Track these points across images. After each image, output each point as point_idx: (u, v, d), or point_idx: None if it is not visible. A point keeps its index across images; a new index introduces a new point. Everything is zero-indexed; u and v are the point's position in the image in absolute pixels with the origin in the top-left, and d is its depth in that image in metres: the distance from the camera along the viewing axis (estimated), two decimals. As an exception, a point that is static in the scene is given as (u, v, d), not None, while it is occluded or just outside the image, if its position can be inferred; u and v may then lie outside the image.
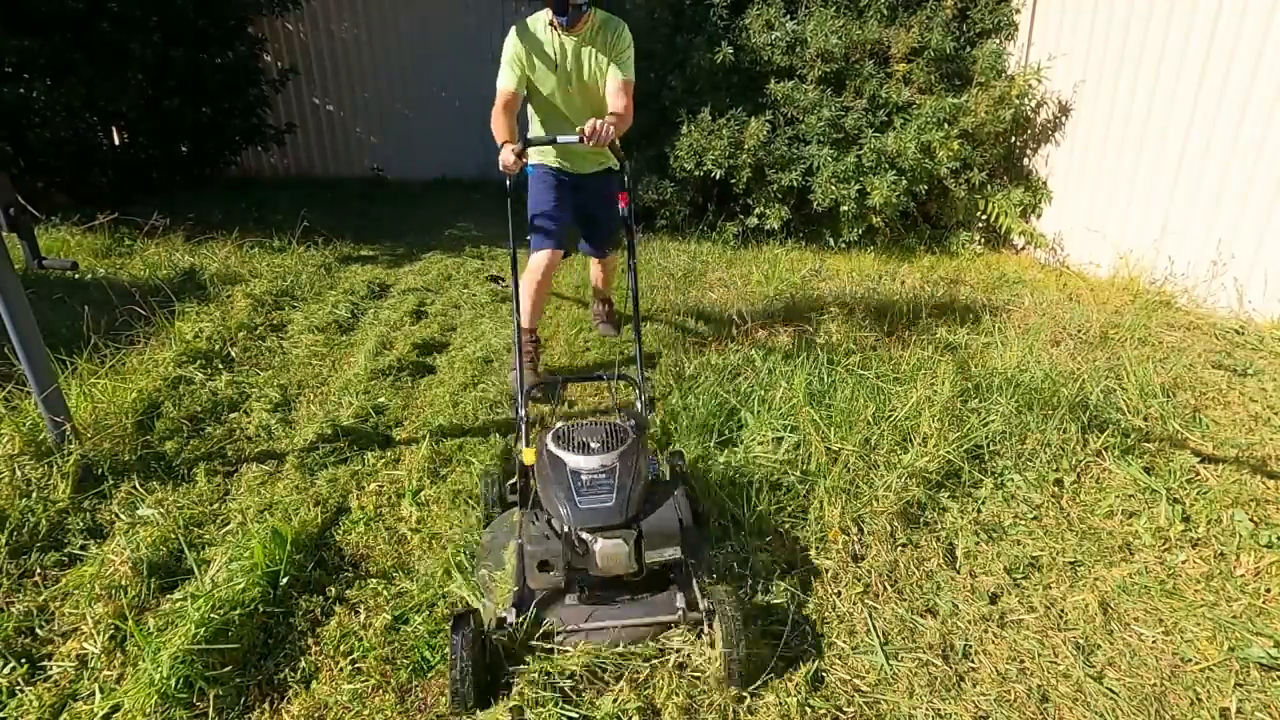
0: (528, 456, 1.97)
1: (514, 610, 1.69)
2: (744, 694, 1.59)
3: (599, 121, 2.37)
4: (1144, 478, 2.41)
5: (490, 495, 2.23)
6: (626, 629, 1.71)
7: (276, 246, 5.15)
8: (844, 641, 1.82)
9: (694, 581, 1.78)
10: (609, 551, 1.65)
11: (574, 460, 1.80)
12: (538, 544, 1.66)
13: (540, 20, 2.82)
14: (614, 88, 2.81)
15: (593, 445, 1.83)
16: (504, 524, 2.09)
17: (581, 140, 2.38)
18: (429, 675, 1.66)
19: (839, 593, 1.99)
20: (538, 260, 3.01)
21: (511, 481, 2.20)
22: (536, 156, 3.10)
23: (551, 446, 1.86)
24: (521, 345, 2.57)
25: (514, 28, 2.80)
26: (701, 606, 1.70)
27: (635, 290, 2.60)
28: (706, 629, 1.70)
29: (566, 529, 1.69)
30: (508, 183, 2.58)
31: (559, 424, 1.97)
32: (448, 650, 1.57)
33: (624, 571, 1.69)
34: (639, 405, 2.28)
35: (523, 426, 2.20)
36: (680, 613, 1.72)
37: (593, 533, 1.67)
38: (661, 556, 1.69)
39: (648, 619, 1.73)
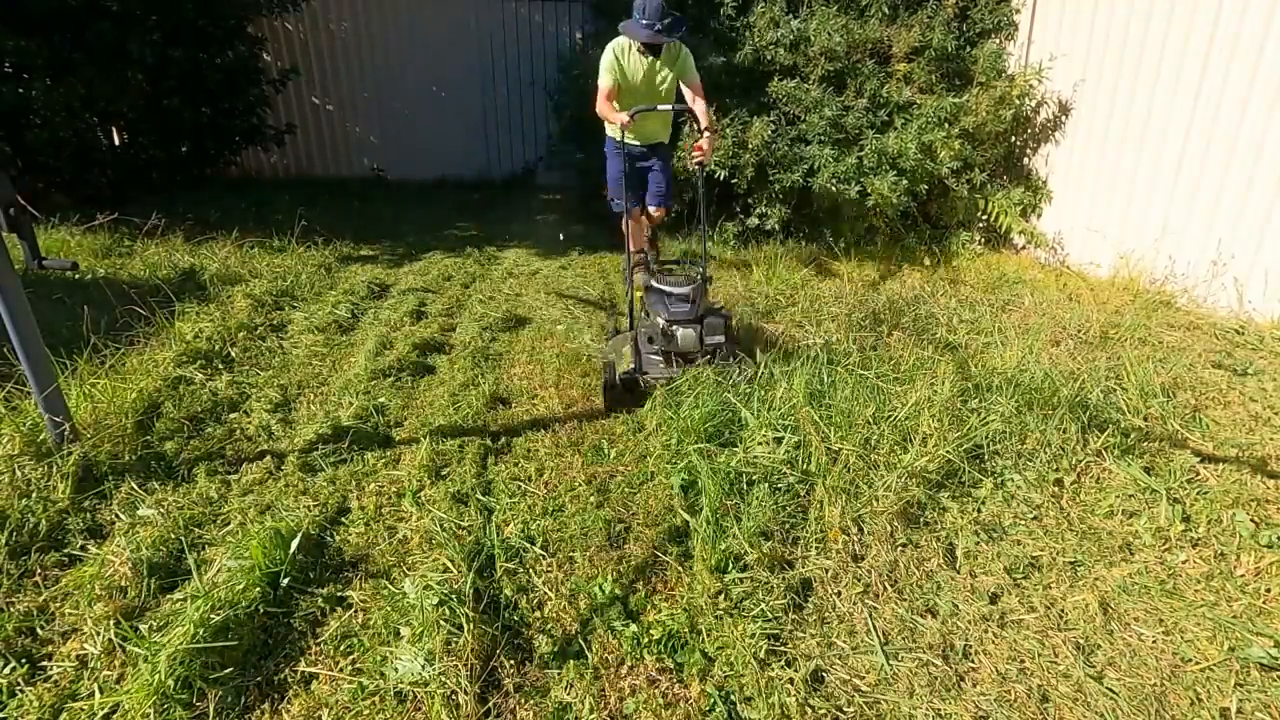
0: (638, 286, 3.39)
1: (633, 366, 3.02)
2: None
3: (706, 141, 3.59)
4: (1144, 478, 2.41)
5: (609, 327, 3.88)
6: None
7: (276, 246, 5.15)
8: (844, 641, 1.82)
9: (731, 354, 3.05)
10: (686, 335, 2.97)
11: (668, 288, 3.10)
12: (649, 329, 3.08)
13: (632, 46, 3.80)
14: (693, 89, 3.89)
15: (678, 283, 3.13)
16: (615, 339, 3.48)
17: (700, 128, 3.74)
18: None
19: (839, 593, 1.99)
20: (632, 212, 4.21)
21: (619, 316, 3.95)
22: (615, 135, 4.08)
23: (654, 283, 3.17)
24: (633, 257, 3.81)
25: (610, 48, 3.78)
26: (736, 368, 2.96)
27: (706, 194, 3.76)
28: (739, 380, 2.92)
29: (663, 322, 3.00)
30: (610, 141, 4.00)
31: (658, 273, 3.32)
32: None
33: (692, 349, 2.98)
34: (701, 273, 3.34)
35: (631, 292, 3.60)
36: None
37: (677, 325, 2.98)
38: (713, 340, 3.00)
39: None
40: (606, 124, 4.04)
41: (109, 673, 1.64)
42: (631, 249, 4.03)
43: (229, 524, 2.19)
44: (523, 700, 1.63)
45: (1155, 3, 4.42)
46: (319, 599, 1.89)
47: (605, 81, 3.80)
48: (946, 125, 5.15)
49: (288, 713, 1.59)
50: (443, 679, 1.62)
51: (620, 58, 3.81)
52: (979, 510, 2.34)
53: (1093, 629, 1.87)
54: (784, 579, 2.00)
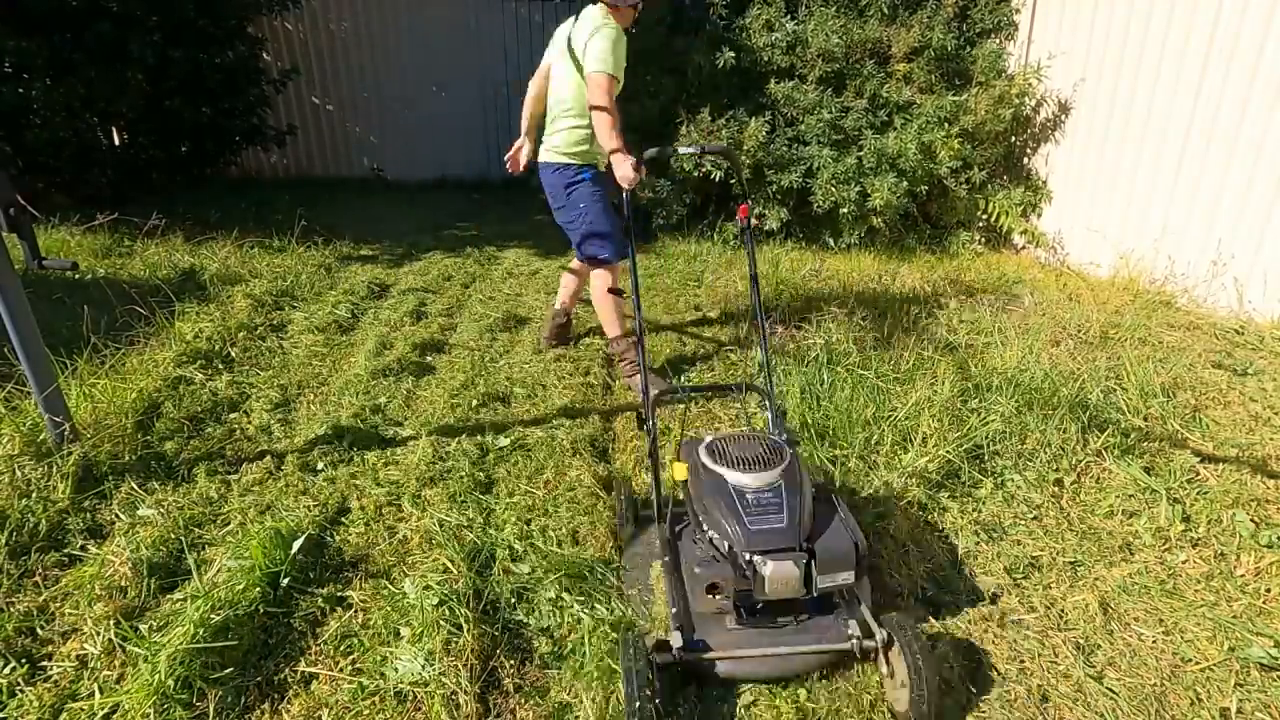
0: (678, 472, 1.88)
1: (678, 634, 1.62)
2: None
3: None
4: (1144, 478, 2.41)
5: (625, 513, 2.13)
6: (794, 657, 1.64)
7: (276, 246, 5.15)
8: (844, 641, 1.82)
9: (863, 606, 1.69)
10: (780, 575, 1.57)
11: (737, 478, 1.72)
12: (706, 566, 1.65)
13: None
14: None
15: (754, 461, 1.75)
16: (645, 543, 2.03)
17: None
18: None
19: (839, 593, 1.98)
20: (624, 267, 2.99)
21: (646, 497, 2.12)
22: (586, 158, 3.09)
23: (708, 462, 1.78)
24: (642, 351, 2.35)
25: (616, 22, 2.84)
26: (877, 635, 1.60)
27: (758, 295, 2.42)
28: (883, 659, 1.60)
29: (734, 550, 1.63)
30: (624, 196, 2.61)
31: (708, 438, 1.87)
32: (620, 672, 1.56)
33: (792, 596, 1.61)
34: (770, 419, 2.15)
35: (653, 439, 2.10)
36: (854, 641, 1.61)
37: (763, 555, 1.59)
38: (834, 582, 1.62)
39: (817, 647, 1.64)
40: (582, 145, 2.98)
41: (109, 673, 1.64)
42: (620, 334, 3.00)
43: (229, 524, 2.19)
44: (523, 700, 1.63)
45: (1155, 2, 4.42)
46: (319, 599, 1.89)
47: (616, 68, 2.76)
48: (946, 125, 5.15)
49: (288, 713, 1.59)
50: (443, 679, 1.62)
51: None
52: (979, 510, 2.34)
53: (1093, 629, 1.87)
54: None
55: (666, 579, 1.79)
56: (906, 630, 1.54)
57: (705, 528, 1.74)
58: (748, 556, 1.60)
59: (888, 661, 1.60)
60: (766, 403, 2.17)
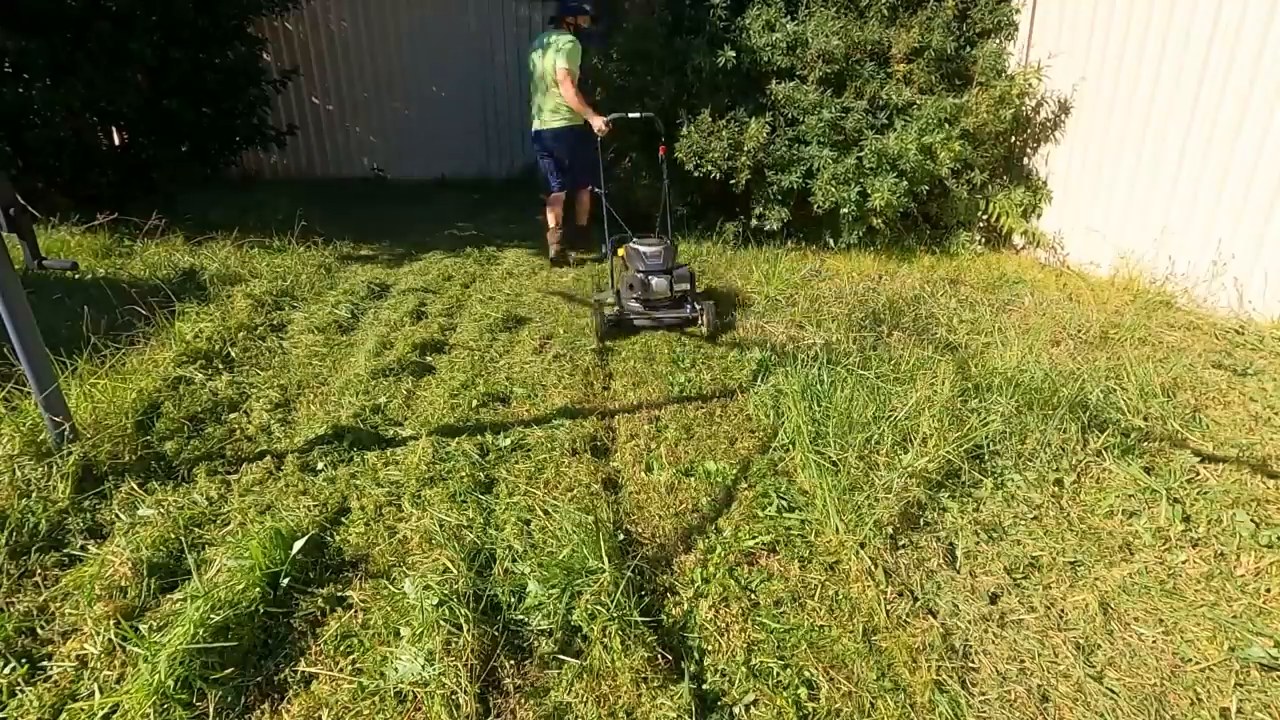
0: (621, 251, 4.13)
1: (616, 310, 3.89)
2: (715, 341, 3.77)
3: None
4: (1144, 478, 2.41)
5: (595, 286, 4.70)
6: (666, 319, 3.91)
7: (276, 246, 5.15)
8: (844, 641, 1.82)
9: (694, 300, 3.91)
10: (659, 283, 3.83)
11: (645, 248, 3.91)
12: (630, 279, 3.89)
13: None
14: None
15: (653, 243, 3.96)
16: (601, 292, 4.32)
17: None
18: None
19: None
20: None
21: (601, 279, 4.82)
22: (574, 119, 5.13)
23: (634, 244, 3.98)
24: (606, 221, 4.47)
25: (572, 34, 5.01)
26: (698, 309, 3.84)
27: (669, 165, 4.70)
28: (700, 320, 3.83)
29: (640, 274, 3.84)
30: (596, 140, 4.63)
31: (634, 237, 4.08)
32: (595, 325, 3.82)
33: (664, 295, 3.84)
34: (665, 233, 4.37)
35: (609, 249, 4.35)
36: (688, 311, 3.88)
37: (652, 275, 3.84)
38: (682, 287, 3.87)
39: (674, 315, 3.90)
40: (577, 111, 4.93)
41: (109, 673, 1.64)
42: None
43: (229, 524, 2.19)
44: (523, 700, 1.63)
45: (1155, 3, 4.42)
46: (319, 599, 1.88)
47: (577, 66, 4.90)
48: (946, 126, 5.14)
49: (288, 713, 1.59)
50: (443, 679, 1.62)
51: None
52: (979, 510, 2.34)
53: (1093, 629, 1.87)
54: (785, 582, 2.00)
55: (614, 295, 4.01)
56: (708, 307, 3.80)
57: (630, 269, 3.96)
58: (647, 278, 3.83)
59: (702, 320, 3.82)
60: (666, 235, 4.29)
